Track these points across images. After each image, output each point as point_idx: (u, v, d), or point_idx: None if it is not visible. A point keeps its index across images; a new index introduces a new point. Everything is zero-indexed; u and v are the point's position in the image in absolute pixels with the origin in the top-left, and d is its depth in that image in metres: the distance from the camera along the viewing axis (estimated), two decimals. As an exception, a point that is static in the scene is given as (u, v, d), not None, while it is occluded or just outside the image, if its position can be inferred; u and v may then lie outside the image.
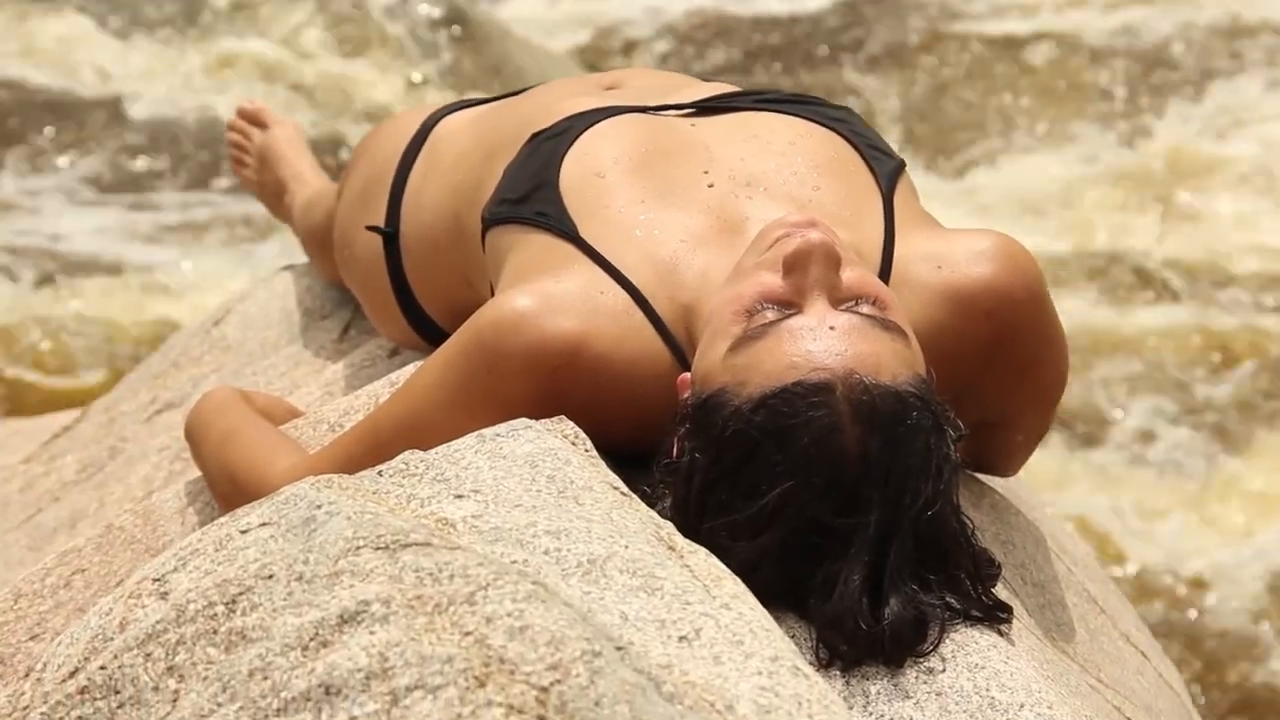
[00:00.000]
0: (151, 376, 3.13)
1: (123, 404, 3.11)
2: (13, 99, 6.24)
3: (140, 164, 5.94)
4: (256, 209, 5.17)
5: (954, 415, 1.92)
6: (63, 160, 5.96)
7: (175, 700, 1.55)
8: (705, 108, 2.33)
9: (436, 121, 2.56)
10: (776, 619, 1.73)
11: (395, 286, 2.53)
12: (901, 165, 2.24)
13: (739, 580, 1.73)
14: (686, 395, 1.96)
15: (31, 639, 2.26)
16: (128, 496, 2.75)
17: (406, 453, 1.88)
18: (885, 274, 2.09)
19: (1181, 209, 5.70)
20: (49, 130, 6.07)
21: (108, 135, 6.07)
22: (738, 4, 6.90)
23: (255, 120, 3.20)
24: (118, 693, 1.59)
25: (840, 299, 1.93)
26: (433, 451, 1.88)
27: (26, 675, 1.70)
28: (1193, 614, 4.28)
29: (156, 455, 2.82)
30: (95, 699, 1.60)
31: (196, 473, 2.44)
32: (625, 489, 1.86)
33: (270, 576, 1.60)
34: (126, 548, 2.36)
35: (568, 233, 2.13)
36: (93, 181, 5.89)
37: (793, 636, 1.84)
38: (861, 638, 1.83)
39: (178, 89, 6.30)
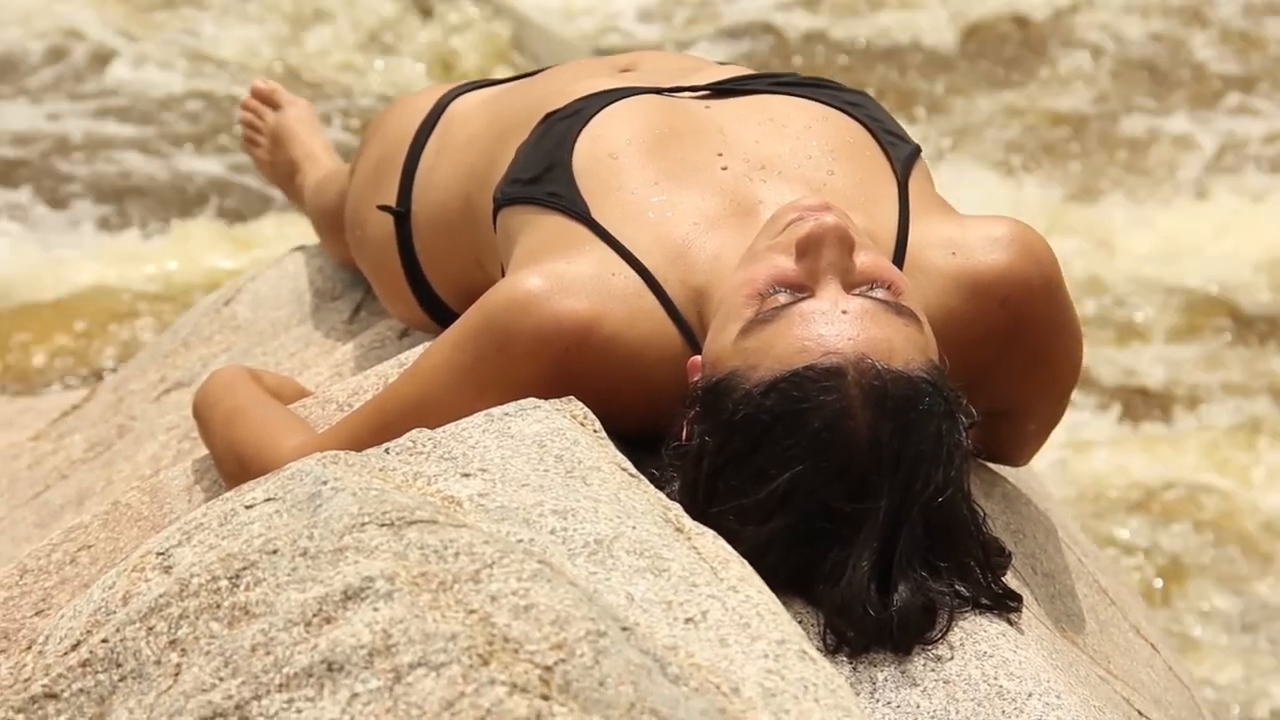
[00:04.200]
0: (161, 355, 3.12)
1: (131, 383, 3.10)
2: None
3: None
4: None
5: (966, 402, 1.91)
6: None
7: (177, 674, 1.54)
8: (720, 90, 2.32)
9: (450, 101, 2.55)
10: (784, 604, 1.72)
11: (406, 267, 2.52)
12: (917, 150, 2.22)
13: (746, 563, 1.72)
14: (697, 378, 1.95)
15: (37, 614, 2.25)
16: (135, 475, 2.74)
17: (414, 430, 1.87)
18: (899, 259, 2.08)
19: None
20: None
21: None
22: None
23: (268, 100, 3.19)
24: (119, 666, 1.58)
25: (853, 283, 1.91)
26: (440, 430, 1.87)
27: (29, 648, 1.69)
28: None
29: (165, 434, 2.81)
30: (97, 672, 1.59)
31: (205, 451, 2.43)
32: (633, 470, 1.85)
33: (274, 552, 1.59)
34: (133, 524, 2.35)
35: (580, 214, 2.12)
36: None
37: (800, 622, 1.82)
38: (869, 624, 1.82)
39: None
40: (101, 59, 6.28)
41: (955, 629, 1.86)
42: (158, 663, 1.56)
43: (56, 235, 5.44)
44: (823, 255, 1.91)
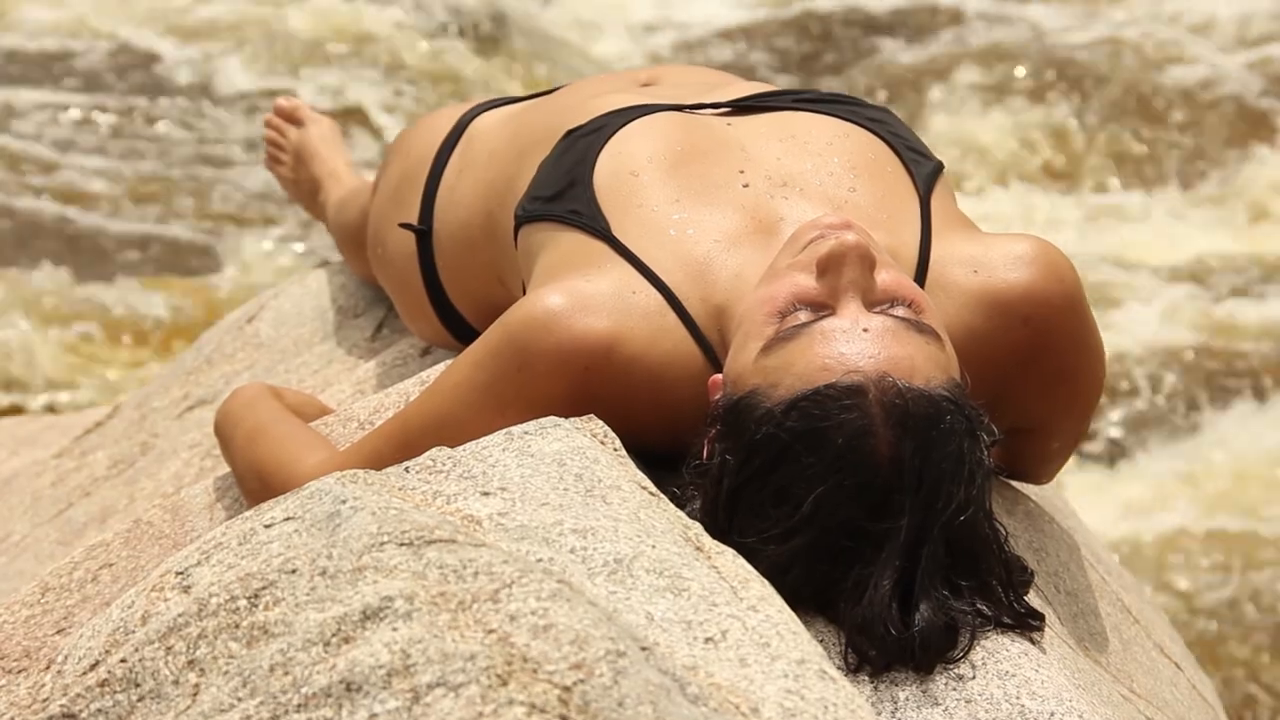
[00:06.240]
0: (184, 373, 3.12)
1: (154, 400, 3.11)
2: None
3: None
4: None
5: (988, 420, 1.90)
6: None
7: (195, 694, 1.54)
8: (742, 107, 2.32)
9: (471, 119, 2.55)
10: (805, 623, 1.72)
11: (427, 284, 2.52)
12: (940, 167, 2.22)
13: (767, 582, 1.72)
14: (718, 397, 1.94)
15: (58, 633, 2.25)
16: (158, 492, 2.74)
17: (434, 449, 1.87)
18: (921, 277, 2.07)
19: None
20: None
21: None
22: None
23: (291, 118, 3.19)
24: (138, 685, 1.58)
25: (874, 301, 1.91)
26: (460, 448, 1.86)
27: (48, 667, 1.69)
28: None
29: (187, 451, 2.81)
30: (115, 691, 1.59)
31: (226, 469, 2.43)
32: (653, 488, 1.84)
33: (293, 571, 1.59)
34: (154, 543, 2.35)
35: (601, 231, 2.12)
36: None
37: (821, 641, 1.82)
38: (891, 643, 1.82)
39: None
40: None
41: (977, 648, 1.85)
42: (176, 683, 1.56)
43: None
44: (843, 273, 1.90)
